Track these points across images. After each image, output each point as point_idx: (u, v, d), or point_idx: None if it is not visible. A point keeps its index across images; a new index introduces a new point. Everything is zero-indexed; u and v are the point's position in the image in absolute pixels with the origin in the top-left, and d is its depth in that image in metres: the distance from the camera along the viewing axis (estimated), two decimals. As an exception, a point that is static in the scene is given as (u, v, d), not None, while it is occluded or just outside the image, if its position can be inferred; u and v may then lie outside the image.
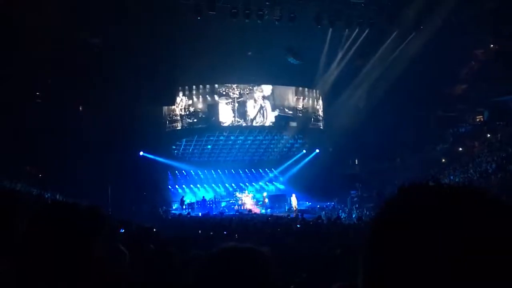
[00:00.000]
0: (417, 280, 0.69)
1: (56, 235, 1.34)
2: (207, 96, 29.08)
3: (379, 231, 0.77)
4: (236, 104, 29.29)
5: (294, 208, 25.91)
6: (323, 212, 23.56)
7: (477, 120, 30.56)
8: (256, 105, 29.67)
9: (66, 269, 1.32)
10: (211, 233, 12.20)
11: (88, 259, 1.34)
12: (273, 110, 29.98)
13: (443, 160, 28.11)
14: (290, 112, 30.40)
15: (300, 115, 30.68)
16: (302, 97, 30.91)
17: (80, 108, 25.81)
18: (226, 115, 29.19)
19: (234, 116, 29.32)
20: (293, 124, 30.49)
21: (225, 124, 29.38)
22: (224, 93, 29.22)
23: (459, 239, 0.68)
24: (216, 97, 29.16)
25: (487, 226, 0.69)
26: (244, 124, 29.66)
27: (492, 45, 27.95)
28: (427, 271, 0.68)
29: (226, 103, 29.12)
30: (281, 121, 30.22)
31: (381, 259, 0.74)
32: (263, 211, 26.97)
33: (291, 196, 27.06)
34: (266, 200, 28.50)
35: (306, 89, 30.86)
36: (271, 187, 32.83)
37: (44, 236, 1.34)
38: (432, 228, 0.70)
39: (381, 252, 0.74)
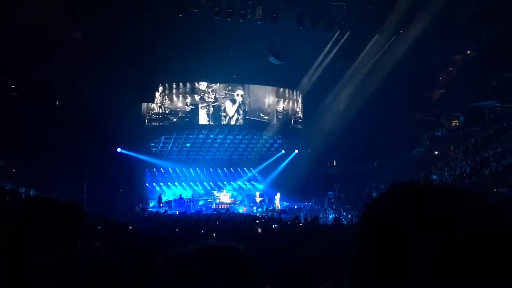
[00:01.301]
0: (406, 280, 0.68)
1: (38, 231, 1.30)
2: (187, 95, 28.86)
3: (368, 230, 0.76)
4: (211, 109, 29.15)
5: (277, 208, 25.96)
6: (302, 213, 23.66)
7: (453, 124, 31.15)
8: (234, 105, 29.60)
9: (49, 267, 1.28)
10: (188, 230, 12.14)
11: (71, 256, 1.31)
12: (250, 113, 29.97)
13: (419, 163, 28.53)
14: (266, 117, 30.41)
15: (280, 117, 30.76)
16: (282, 98, 30.99)
17: (57, 103, 25.38)
18: (202, 117, 29.11)
19: (208, 120, 29.19)
20: (267, 125, 30.55)
21: (201, 124, 29.31)
22: (199, 96, 29.04)
23: (450, 239, 0.68)
24: (196, 97, 28.98)
25: (479, 227, 0.69)
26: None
27: (469, 51, 28.50)
28: (417, 271, 0.67)
29: (201, 107, 28.98)
30: (256, 124, 30.27)
31: (370, 259, 0.73)
32: (260, 209, 26.89)
33: (275, 195, 27.05)
34: (260, 199, 28.26)
35: (286, 90, 30.95)
36: (249, 186, 32.87)
37: (25, 233, 1.30)
38: (423, 228, 0.69)
39: (369, 251, 0.73)
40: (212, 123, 29.27)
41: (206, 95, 29.04)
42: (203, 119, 29.04)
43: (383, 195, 0.79)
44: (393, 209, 0.74)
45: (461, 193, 0.75)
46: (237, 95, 29.63)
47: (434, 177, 24.54)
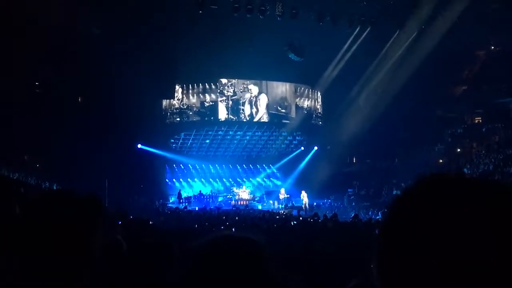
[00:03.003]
0: (438, 274, 0.68)
1: (54, 222, 1.34)
2: (206, 91, 29.14)
3: (398, 222, 0.74)
4: (230, 102, 29.39)
5: (304, 206, 25.57)
6: (321, 210, 23.53)
7: (476, 121, 30.58)
8: (251, 101, 29.79)
9: (64, 257, 1.32)
10: (207, 225, 12.22)
11: (87, 247, 1.34)
12: (267, 107, 30.08)
13: (441, 161, 28.13)
14: (283, 110, 30.41)
15: (304, 112, 30.75)
16: (301, 95, 30.96)
17: (79, 99, 25.76)
18: (221, 112, 29.38)
19: (227, 114, 29.39)
20: (286, 121, 30.59)
21: (221, 119, 29.49)
22: (218, 91, 29.26)
23: (486, 234, 0.66)
24: (215, 93, 29.26)
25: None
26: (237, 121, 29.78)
27: (493, 47, 27.94)
28: (450, 265, 0.67)
29: (220, 101, 29.23)
30: (275, 119, 30.31)
31: (400, 252, 0.71)
32: (281, 206, 26.83)
33: (300, 193, 26.71)
34: (287, 195, 28.12)
35: (306, 86, 30.87)
36: (268, 183, 32.88)
37: (42, 224, 1.34)
38: (455, 221, 0.68)
39: (399, 244, 0.72)
40: (232, 117, 29.43)
41: (225, 88, 29.27)
42: (222, 113, 29.28)
43: (413, 187, 0.77)
44: (424, 201, 0.72)
45: (494, 185, 0.72)
46: (254, 93, 29.79)
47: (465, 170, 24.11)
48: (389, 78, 26.31)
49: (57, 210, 1.37)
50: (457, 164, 26.49)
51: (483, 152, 26.46)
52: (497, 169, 23.60)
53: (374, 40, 25.86)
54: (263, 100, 29.99)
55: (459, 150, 28.82)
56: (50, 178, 22.22)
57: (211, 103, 29.15)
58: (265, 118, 30.20)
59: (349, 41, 26.94)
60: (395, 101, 25.59)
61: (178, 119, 29.11)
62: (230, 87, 29.38)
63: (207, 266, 1.22)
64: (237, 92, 29.47)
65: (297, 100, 30.83)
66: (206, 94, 29.15)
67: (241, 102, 29.58)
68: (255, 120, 30.04)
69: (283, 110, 30.42)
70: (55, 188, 21.34)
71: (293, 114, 30.61)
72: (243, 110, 29.61)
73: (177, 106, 29.03)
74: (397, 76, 25.56)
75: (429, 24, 24.23)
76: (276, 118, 30.36)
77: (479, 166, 25.00)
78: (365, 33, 25.82)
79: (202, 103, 29.13)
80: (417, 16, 23.83)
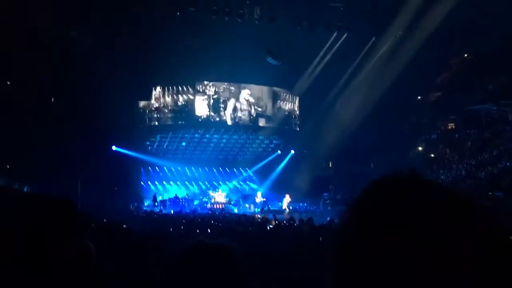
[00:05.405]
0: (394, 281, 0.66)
1: (28, 227, 1.29)
2: (184, 95, 29.10)
3: (353, 229, 0.74)
4: (211, 101, 29.47)
5: (286, 210, 25.42)
6: (296, 214, 23.65)
7: (449, 127, 31.21)
8: (230, 103, 29.89)
9: (37, 264, 1.27)
10: (183, 231, 12.13)
11: (61, 253, 1.30)
12: (245, 108, 30.29)
13: (415, 166, 28.57)
14: (260, 109, 30.54)
15: (277, 116, 30.88)
16: (279, 98, 31.10)
17: (52, 100, 25.28)
18: (201, 109, 29.38)
19: (209, 111, 29.45)
20: (262, 120, 30.69)
21: (201, 117, 29.40)
22: (200, 90, 29.25)
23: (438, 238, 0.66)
24: (192, 95, 29.21)
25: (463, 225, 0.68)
26: (218, 119, 29.68)
27: (466, 55, 28.56)
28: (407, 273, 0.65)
29: (203, 99, 29.30)
30: (250, 116, 30.40)
31: (355, 263, 0.71)
32: (257, 209, 26.77)
33: (284, 197, 26.64)
34: (263, 199, 28.09)
35: (283, 90, 31.02)
36: (244, 187, 32.88)
37: (14, 229, 1.29)
38: (407, 227, 0.68)
39: (353, 254, 0.72)
40: (212, 113, 29.44)
41: (207, 88, 29.45)
42: (203, 110, 29.28)
43: (367, 190, 0.78)
44: (377, 204, 0.74)
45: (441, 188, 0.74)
46: (237, 96, 29.88)
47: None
48: (365, 83, 26.64)
49: (30, 214, 1.32)
50: (431, 169, 26.97)
51: (456, 157, 27.03)
52: (469, 174, 24.13)
53: (351, 46, 26.17)
54: (243, 102, 30.12)
55: (432, 155, 29.37)
56: (20, 180, 21.73)
57: (183, 103, 29.25)
58: (243, 116, 30.21)
59: (326, 46, 27.22)
60: (370, 107, 25.88)
61: (155, 121, 28.94)
62: (212, 87, 29.50)
63: (183, 275, 1.20)
64: (218, 91, 29.59)
65: (275, 104, 30.97)
66: (184, 95, 29.15)
67: (221, 100, 29.67)
68: (233, 121, 30.02)
69: (260, 109, 30.56)
70: (25, 190, 20.89)
71: (269, 112, 30.76)
72: (223, 108, 29.66)
73: (153, 107, 28.87)
74: (372, 82, 25.90)
75: (404, 31, 24.65)
76: (251, 116, 30.48)
77: (452, 171, 25.52)
78: (342, 39, 26.12)
79: (176, 103, 29.17)
80: (393, 23, 24.21)
